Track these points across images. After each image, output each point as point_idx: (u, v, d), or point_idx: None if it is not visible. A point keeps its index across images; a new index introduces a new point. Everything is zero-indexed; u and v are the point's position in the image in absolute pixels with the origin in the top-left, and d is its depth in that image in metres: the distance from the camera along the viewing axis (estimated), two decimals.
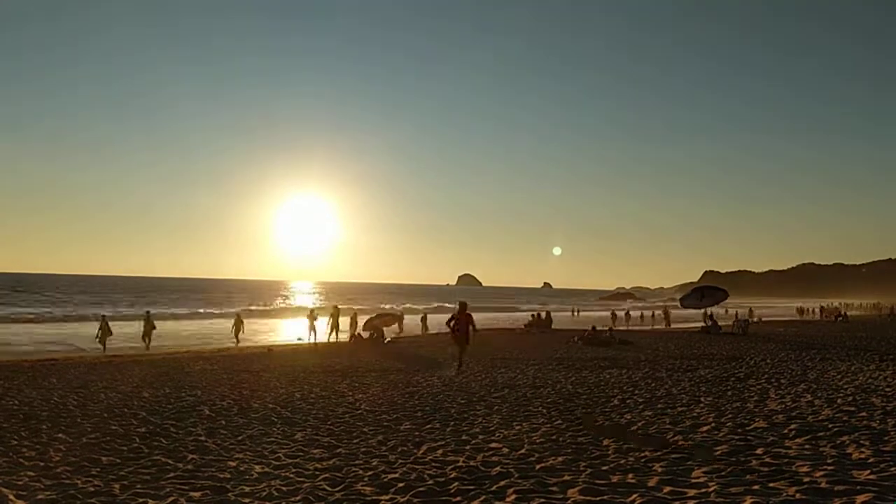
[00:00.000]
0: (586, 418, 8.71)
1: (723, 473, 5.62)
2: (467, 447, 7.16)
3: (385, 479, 5.84)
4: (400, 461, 6.60)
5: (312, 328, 26.17)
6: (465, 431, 8.09)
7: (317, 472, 6.22)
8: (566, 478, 5.68)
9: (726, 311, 37.95)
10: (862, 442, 6.68)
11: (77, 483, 5.88)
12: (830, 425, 7.65)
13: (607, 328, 29.86)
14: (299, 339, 27.42)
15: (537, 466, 6.16)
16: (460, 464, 6.35)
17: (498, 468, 6.10)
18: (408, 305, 77.62)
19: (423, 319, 36.62)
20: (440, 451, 6.99)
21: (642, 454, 6.53)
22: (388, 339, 26.25)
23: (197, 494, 5.51)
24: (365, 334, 26.47)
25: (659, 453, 6.52)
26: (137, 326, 28.15)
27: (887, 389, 10.83)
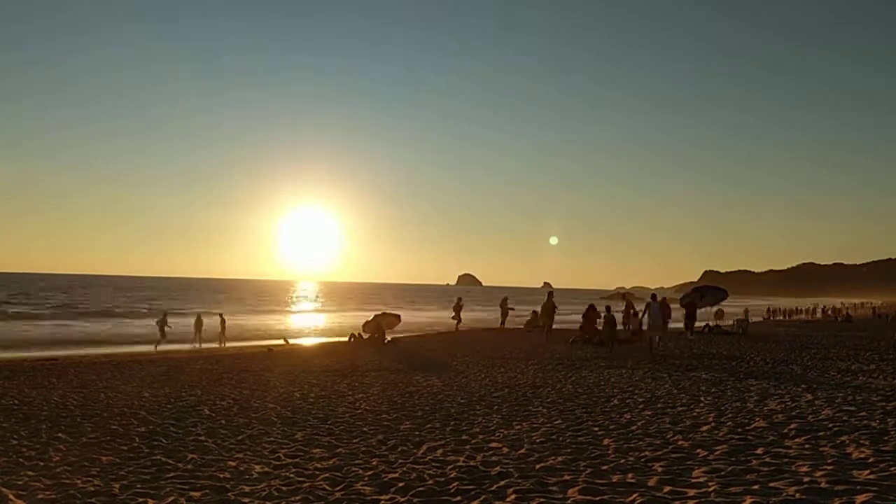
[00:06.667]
0: None
1: (723, 473, 5.62)
2: (467, 447, 7.16)
3: (385, 479, 5.84)
4: (400, 461, 6.60)
5: (198, 332, 27.97)
6: (465, 431, 8.09)
7: (317, 472, 6.21)
8: (566, 477, 5.68)
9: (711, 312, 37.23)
10: (862, 442, 6.68)
11: (77, 483, 5.87)
12: (830, 425, 7.65)
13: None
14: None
15: (537, 466, 6.16)
16: (460, 463, 6.35)
17: (498, 468, 6.10)
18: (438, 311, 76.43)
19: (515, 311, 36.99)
20: (440, 451, 6.99)
21: (642, 454, 6.53)
22: (389, 339, 26.23)
23: (197, 494, 5.51)
24: (365, 335, 26.45)
25: (659, 453, 6.52)
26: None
27: (887, 389, 10.82)
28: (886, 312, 61.14)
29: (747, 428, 7.69)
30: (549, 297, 26.75)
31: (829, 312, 61.81)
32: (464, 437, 7.70)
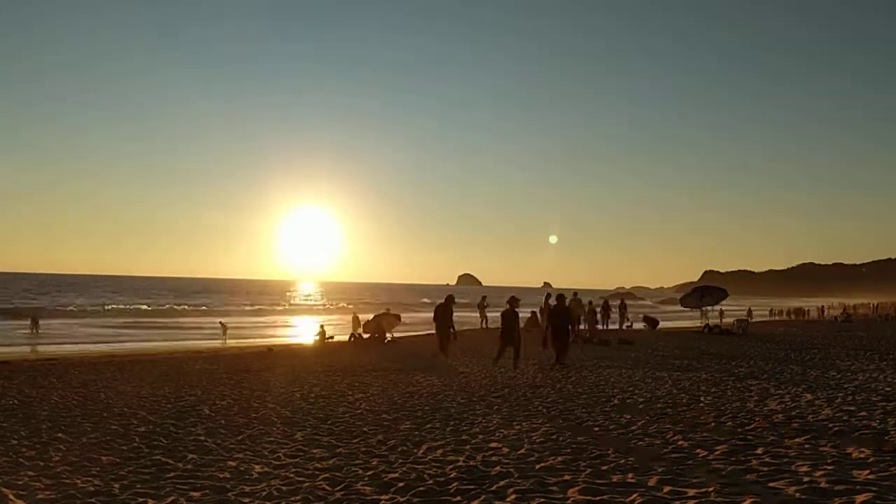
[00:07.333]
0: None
1: (723, 473, 5.62)
2: (467, 447, 7.16)
3: (385, 479, 5.84)
4: (400, 461, 6.60)
5: (33, 327, 32.55)
6: (465, 431, 8.09)
7: (317, 472, 6.21)
8: (566, 477, 5.68)
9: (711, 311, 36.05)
10: (862, 442, 6.68)
11: (77, 483, 5.88)
12: (830, 425, 7.65)
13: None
14: None
15: (537, 466, 6.16)
16: (460, 463, 6.35)
17: (498, 468, 6.09)
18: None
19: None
20: (440, 451, 6.98)
21: (642, 454, 6.52)
22: (389, 338, 26.24)
23: (197, 494, 5.51)
24: (366, 335, 26.47)
25: (659, 453, 6.52)
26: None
27: (887, 389, 10.82)
28: (888, 313, 61.06)
29: (747, 428, 7.69)
30: (546, 300, 27.16)
31: (823, 313, 61.60)
32: (464, 437, 7.70)
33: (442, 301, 18.20)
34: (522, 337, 15.68)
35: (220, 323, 34.90)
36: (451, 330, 17.46)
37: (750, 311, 38.58)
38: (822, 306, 68.13)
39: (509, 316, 15.54)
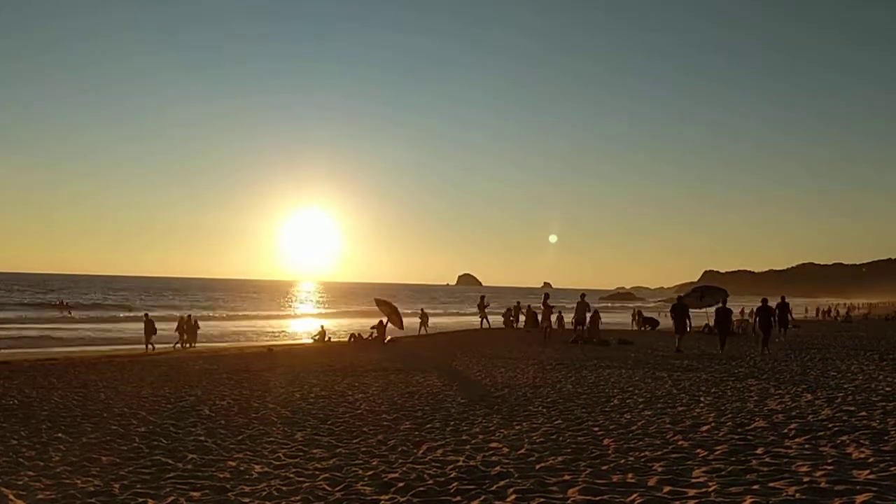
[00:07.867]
0: None
1: (723, 473, 5.62)
2: (467, 447, 7.16)
3: (385, 479, 5.84)
4: (400, 461, 6.60)
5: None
6: (465, 431, 8.09)
7: (317, 472, 6.22)
8: (566, 477, 5.68)
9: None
10: (862, 442, 6.68)
11: (77, 483, 5.88)
12: (830, 425, 7.64)
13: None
14: None
15: (537, 466, 6.16)
16: (460, 463, 6.35)
17: (498, 468, 6.10)
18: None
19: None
20: (440, 451, 6.99)
21: (642, 454, 6.52)
22: (388, 338, 26.25)
23: (197, 494, 5.52)
24: (366, 334, 26.49)
25: (659, 453, 6.52)
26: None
27: (887, 389, 10.82)
28: (887, 313, 60.90)
29: (747, 428, 7.69)
30: (546, 300, 27.44)
31: (828, 314, 61.26)
32: (464, 437, 7.70)
33: (676, 302, 21.02)
34: (522, 337, 15.75)
35: (189, 317, 28.50)
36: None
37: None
38: (829, 307, 67.97)
39: (723, 312, 20.04)
